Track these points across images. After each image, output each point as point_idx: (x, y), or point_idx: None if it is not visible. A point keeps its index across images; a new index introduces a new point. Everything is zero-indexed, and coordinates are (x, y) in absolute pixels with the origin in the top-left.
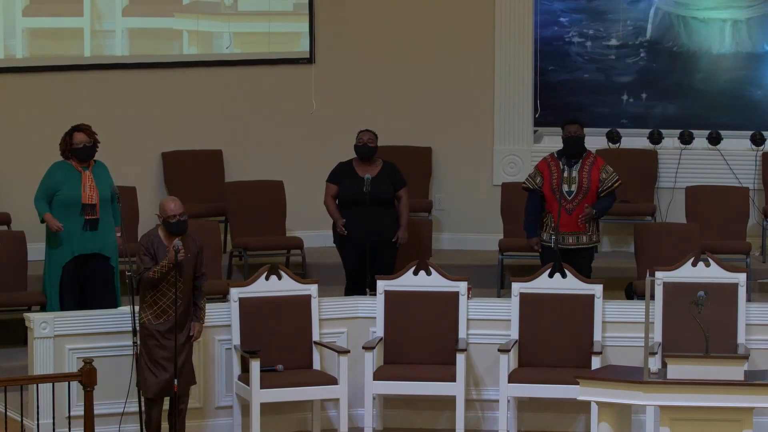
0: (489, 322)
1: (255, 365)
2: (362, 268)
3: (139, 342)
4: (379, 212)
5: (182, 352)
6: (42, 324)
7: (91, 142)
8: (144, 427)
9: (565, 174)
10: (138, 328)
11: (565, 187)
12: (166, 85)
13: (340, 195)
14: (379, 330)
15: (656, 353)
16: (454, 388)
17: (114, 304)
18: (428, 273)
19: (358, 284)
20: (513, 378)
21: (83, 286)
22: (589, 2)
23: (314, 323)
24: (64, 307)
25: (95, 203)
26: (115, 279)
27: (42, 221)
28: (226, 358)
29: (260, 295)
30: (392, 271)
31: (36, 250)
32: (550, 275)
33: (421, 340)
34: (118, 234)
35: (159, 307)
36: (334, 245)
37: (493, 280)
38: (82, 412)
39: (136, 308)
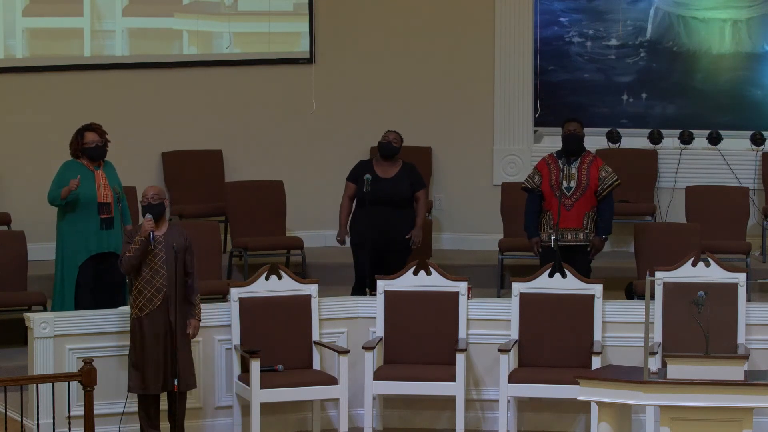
0: (489, 322)
1: (255, 365)
2: (372, 269)
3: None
4: (391, 213)
5: (167, 349)
6: (42, 324)
7: (102, 142)
8: (141, 427)
9: (565, 171)
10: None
11: (564, 184)
12: (166, 85)
13: (357, 194)
14: (379, 330)
15: (656, 353)
16: (454, 388)
17: (125, 303)
18: (428, 273)
19: (366, 285)
20: (513, 378)
21: (97, 284)
22: (589, 2)
23: (314, 323)
24: (79, 307)
25: (110, 202)
26: (127, 277)
27: (64, 201)
28: (226, 358)
29: (260, 295)
30: None
31: (36, 250)
32: (550, 275)
33: (421, 340)
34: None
35: (144, 297)
36: (340, 245)
37: (493, 280)
38: (82, 412)
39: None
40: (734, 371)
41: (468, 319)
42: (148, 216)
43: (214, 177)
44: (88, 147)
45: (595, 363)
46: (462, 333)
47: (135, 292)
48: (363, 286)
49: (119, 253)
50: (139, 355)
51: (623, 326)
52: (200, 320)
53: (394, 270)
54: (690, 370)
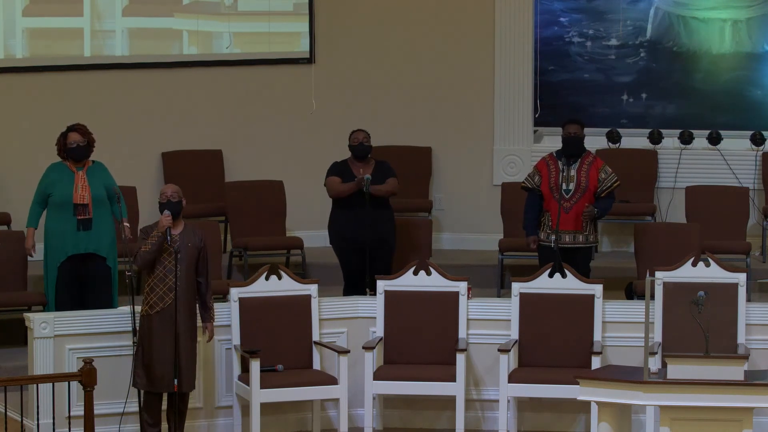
0: (489, 322)
1: (255, 365)
2: (360, 270)
3: (137, 337)
4: (370, 212)
5: (179, 350)
6: (42, 324)
7: (84, 142)
8: (141, 425)
9: (564, 173)
10: (138, 325)
11: (564, 186)
12: (166, 85)
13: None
14: (379, 330)
15: (656, 353)
16: (454, 388)
17: (110, 305)
18: (428, 273)
19: (357, 285)
20: (513, 378)
21: (82, 286)
22: (589, 2)
23: (314, 323)
24: (59, 308)
25: (87, 203)
26: (113, 279)
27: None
28: (226, 358)
29: (260, 295)
30: (389, 271)
31: (36, 250)
32: (550, 275)
33: (421, 340)
34: (127, 224)
35: (156, 294)
36: (331, 246)
37: (493, 280)
38: (82, 412)
39: (136, 308)
40: (734, 371)
41: (468, 319)
42: (167, 212)
43: (214, 177)
44: (70, 147)
45: (595, 363)
46: (462, 333)
47: (147, 289)
48: (353, 287)
49: (100, 254)
50: (148, 353)
51: (623, 326)
52: (214, 322)
53: (378, 269)
54: (690, 370)
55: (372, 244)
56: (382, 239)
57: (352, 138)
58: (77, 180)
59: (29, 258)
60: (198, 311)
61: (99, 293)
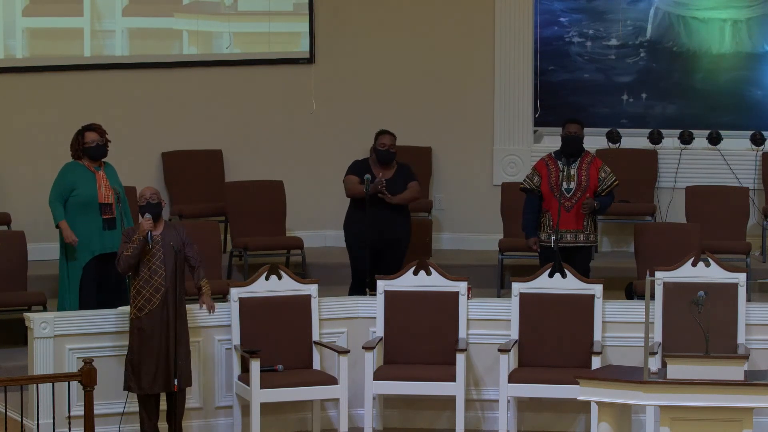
0: (489, 322)
1: (255, 365)
2: (370, 269)
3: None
4: (389, 214)
5: (166, 349)
6: (42, 324)
7: (103, 141)
8: (141, 422)
9: (564, 172)
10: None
11: (564, 185)
12: (166, 85)
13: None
14: (379, 330)
15: (656, 353)
16: (454, 388)
17: (127, 303)
18: (428, 273)
19: (365, 285)
20: (513, 378)
21: (99, 285)
22: (589, 2)
23: (314, 323)
24: (83, 308)
25: (112, 202)
26: (128, 278)
27: (56, 226)
28: (226, 358)
29: (260, 295)
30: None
31: (36, 250)
32: (550, 275)
33: (421, 340)
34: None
35: (143, 296)
36: (345, 244)
37: (493, 280)
38: (82, 412)
39: None
40: (734, 371)
41: (468, 319)
42: (147, 216)
43: (214, 177)
44: (89, 146)
45: (595, 363)
46: (462, 333)
47: (134, 292)
48: (360, 287)
49: None
50: (137, 356)
51: (623, 326)
52: (209, 296)
53: (389, 270)
54: (690, 370)
55: (382, 244)
56: (395, 240)
57: (379, 142)
58: (99, 180)
59: (72, 243)
60: (189, 310)
61: (117, 292)
